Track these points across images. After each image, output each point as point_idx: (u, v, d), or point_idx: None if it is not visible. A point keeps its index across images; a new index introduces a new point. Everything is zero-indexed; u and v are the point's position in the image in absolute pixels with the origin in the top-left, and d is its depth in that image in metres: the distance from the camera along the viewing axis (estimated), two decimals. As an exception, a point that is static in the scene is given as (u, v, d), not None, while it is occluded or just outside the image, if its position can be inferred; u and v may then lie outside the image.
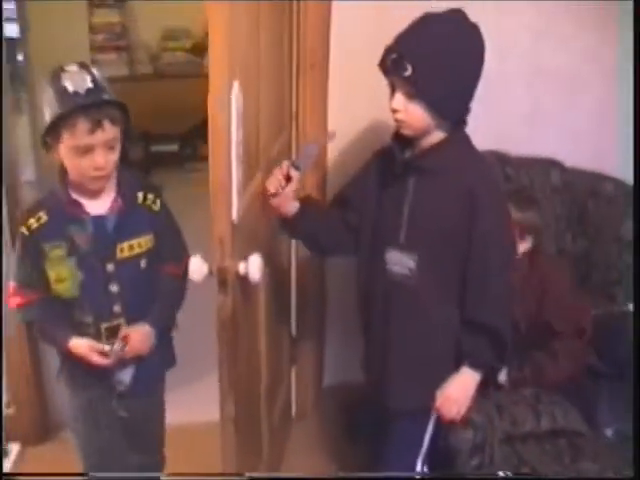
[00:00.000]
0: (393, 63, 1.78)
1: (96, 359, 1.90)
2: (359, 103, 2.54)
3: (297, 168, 1.93)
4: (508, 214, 1.98)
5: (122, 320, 1.96)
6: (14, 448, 2.71)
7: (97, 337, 1.93)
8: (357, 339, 2.16)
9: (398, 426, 2.05)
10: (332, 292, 2.85)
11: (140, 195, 1.96)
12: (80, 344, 1.91)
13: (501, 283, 1.89)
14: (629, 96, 2.56)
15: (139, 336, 1.95)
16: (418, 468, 2.06)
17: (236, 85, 1.68)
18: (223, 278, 1.76)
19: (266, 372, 2.32)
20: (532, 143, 2.70)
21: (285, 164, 1.93)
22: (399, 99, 1.82)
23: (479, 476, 2.07)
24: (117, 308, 1.95)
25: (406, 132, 1.88)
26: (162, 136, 5.76)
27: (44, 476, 1.65)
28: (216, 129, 1.65)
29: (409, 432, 2.05)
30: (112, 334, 1.94)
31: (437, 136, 1.88)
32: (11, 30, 5.89)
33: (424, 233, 1.89)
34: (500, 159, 2.58)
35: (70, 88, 1.76)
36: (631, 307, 2.27)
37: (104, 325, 1.94)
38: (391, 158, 1.94)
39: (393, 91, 1.85)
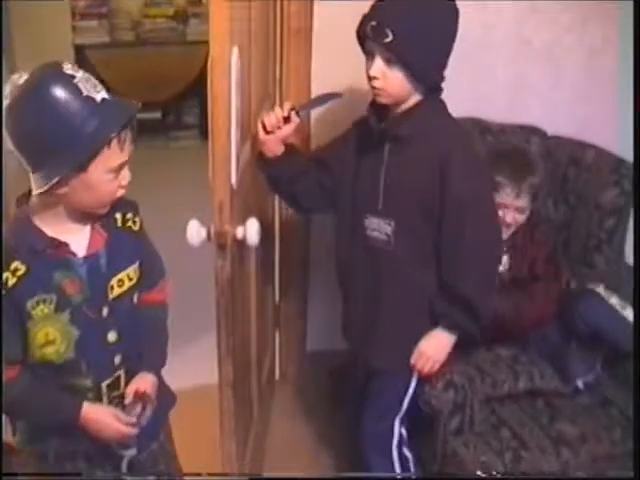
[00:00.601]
0: (373, 30, 1.79)
1: (123, 429, 1.62)
2: (342, 70, 2.54)
3: (298, 114, 1.95)
4: (485, 183, 1.99)
5: (122, 372, 1.68)
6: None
7: (98, 399, 1.64)
8: (340, 305, 2.20)
9: (378, 385, 2.10)
10: (315, 257, 2.87)
11: (118, 217, 1.66)
12: (99, 412, 1.61)
13: (477, 251, 1.90)
14: (612, 69, 2.61)
15: (150, 388, 1.69)
16: (396, 428, 2.11)
17: (235, 50, 1.68)
18: (222, 243, 1.75)
19: (255, 337, 2.35)
20: (514, 112, 2.72)
21: (287, 105, 1.96)
22: (378, 66, 1.83)
23: (479, 476, 2.11)
24: (117, 359, 1.66)
25: (384, 100, 1.89)
26: (144, 104, 5.70)
27: (44, 476, 1.63)
28: (217, 95, 1.64)
29: (389, 391, 2.10)
30: (113, 390, 1.66)
31: (413, 103, 1.89)
32: (-9, -4, 5.82)
33: (400, 199, 1.92)
34: (481, 126, 2.60)
35: (98, 98, 1.45)
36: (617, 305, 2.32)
37: (105, 383, 1.65)
38: (368, 127, 1.95)
39: (371, 59, 1.85)
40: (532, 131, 2.67)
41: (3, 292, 1.49)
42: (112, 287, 1.62)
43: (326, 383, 2.87)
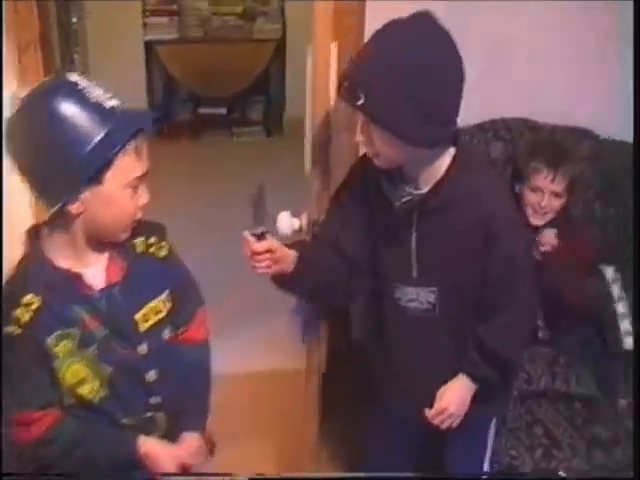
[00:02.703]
0: (346, 92, 1.61)
1: (172, 467, 1.56)
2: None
3: (263, 235, 1.65)
4: (527, 233, 1.97)
5: (161, 414, 1.61)
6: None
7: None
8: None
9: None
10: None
11: (140, 242, 1.55)
12: (156, 447, 1.56)
13: (524, 309, 1.83)
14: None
15: (197, 453, 1.63)
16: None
17: (334, 46, 1.75)
18: (315, 233, 1.80)
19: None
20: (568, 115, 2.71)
21: (245, 234, 1.66)
22: (362, 130, 1.65)
23: (478, 476, 2.12)
24: (154, 400, 1.58)
25: (385, 166, 1.70)
26: (211, 99, 5.85)
27: (44, 476, 1.68)
28: (317, 88, 1.74)
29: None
30: (149, 432, 1.59)
31: (432, 163, 1.70)
32: (67, -8, 6.02)
33: (439, 265, 1.77)
34: (530, 127, 2.60)
35: (107, 104, 1.39)
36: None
37: (139, 422, 1.58)
38: (381, 194, 1.75)
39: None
40: (584, 133, 2.66)
41: (18, 331, 1.39)
42: (137, 322, 1.51)
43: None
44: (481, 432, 2.01)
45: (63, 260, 1.45)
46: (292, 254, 1.74)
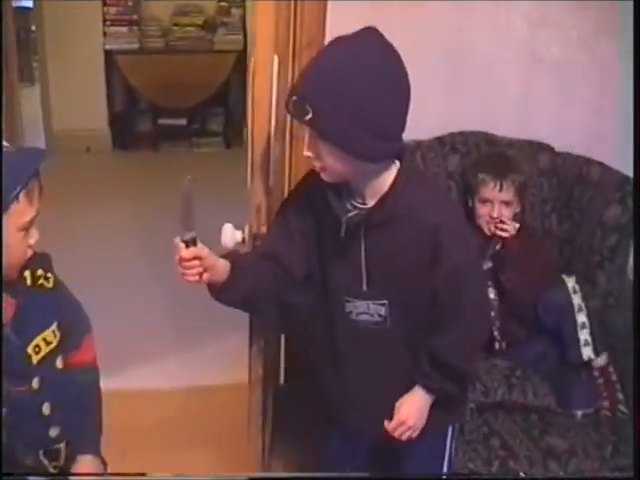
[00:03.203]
0: (294, 106, 1.61)
1: None
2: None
3: (192, 241, 1.61)
4: (476, 250, 1.94)
5: (62, 445, 1.59)
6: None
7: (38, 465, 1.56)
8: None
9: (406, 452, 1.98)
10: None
11: (27, 275, 1.50)
12: None
13: (473, 320, 1.82)
14: (623, 86, 2.62)
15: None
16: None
17: (276, 59, 1.74)
18: (257, 245, 1.79)
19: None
20: (522, 128, 2.75)
21: (180, 247, 1.62)
22: (308, 144, 1.65)
23: (476, 476, 2.13)
24: (54, 432, 1.56)
25: (332, 180, 1.70)
26: (171, 110, 5.83)
27: (44, 476, 1.67)
28: (258, 101, 1.73)
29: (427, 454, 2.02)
30: (52, 460, 1.58)
31: (378, 177, 1.71)
32: (25, 0, 6.00)
33: (389, 278, 1.77)
34: (488, 139, 2.63)
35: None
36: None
37: (42, 452, 1.56)
38: (328, 207, 1.74)
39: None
40: (540, 147, 2.69)
41: None
42: (30, 356, 1.47)
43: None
44: (439, 440, 2.01)
45: None
46: (223, 263, 1.72)
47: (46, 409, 1.52)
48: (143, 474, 1.48)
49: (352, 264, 1.78)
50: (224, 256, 1.75)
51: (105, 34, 5.54)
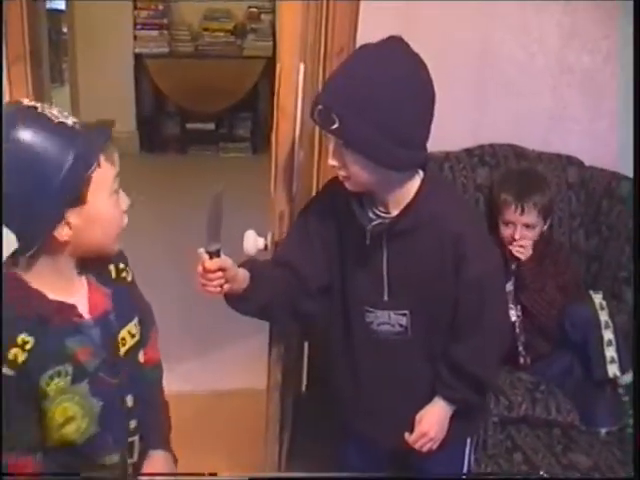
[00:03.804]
0: (319, 115, 1.61)
1: None
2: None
3: (217, 253, 1.61)
4: (499, 259, 1.92)
5: (136, 438, 1.57)
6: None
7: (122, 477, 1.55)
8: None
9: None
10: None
11: (112, 268, 1.52)
12: None
13: (494, 329, 1.82)
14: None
15: (166, 470, 1.62)
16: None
17: (302, 67, 1.73)
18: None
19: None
20: (552, 141, 2.73)
21: (200, 252, 1.62)
22: (333, 153, 1.65)
23: (478, 476, 2.12)
24: (133, 424, 1.55)
25: (356, 189, 1.70)
26: (199, 114, 5.86)
27: (44, 476, 1.66)
28: (283, 108, 1.74)
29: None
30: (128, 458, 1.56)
31: (402, 187, 1.71)
32: (58, 2, 6.06)
33: (411, 288, 1.77)
34: (517, 152, 2.62)
35: (69, 123, 1.34)
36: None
37: (130, 461, 1.55)
38: (351, 215, 1.75)
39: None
40: (569, 160, 2.68)
41: (10, 373, 1.30)
42: (119, 347, 1.48)
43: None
44: (457, 452, 2.01)
45: (52, 291, 1.37)
46: (243, 273, 1.72)
47: (130, 401, 1.51)
48: (214, 474, 1.47)
49: (373, 274, 1.77)
50: (242, 264, 1.75)
51: (135, 37, 5.59)
